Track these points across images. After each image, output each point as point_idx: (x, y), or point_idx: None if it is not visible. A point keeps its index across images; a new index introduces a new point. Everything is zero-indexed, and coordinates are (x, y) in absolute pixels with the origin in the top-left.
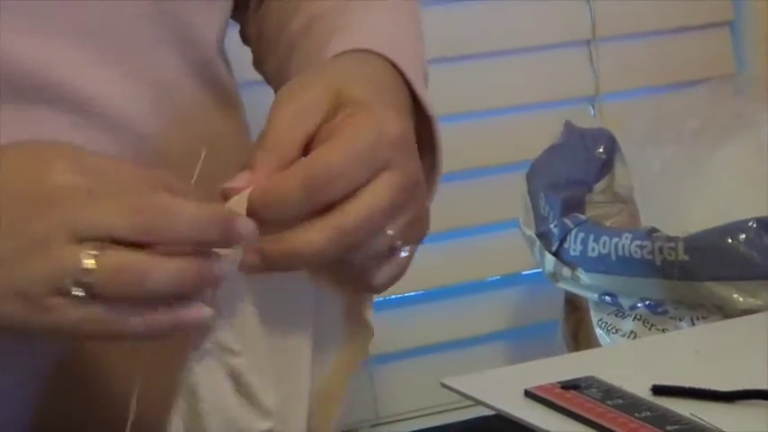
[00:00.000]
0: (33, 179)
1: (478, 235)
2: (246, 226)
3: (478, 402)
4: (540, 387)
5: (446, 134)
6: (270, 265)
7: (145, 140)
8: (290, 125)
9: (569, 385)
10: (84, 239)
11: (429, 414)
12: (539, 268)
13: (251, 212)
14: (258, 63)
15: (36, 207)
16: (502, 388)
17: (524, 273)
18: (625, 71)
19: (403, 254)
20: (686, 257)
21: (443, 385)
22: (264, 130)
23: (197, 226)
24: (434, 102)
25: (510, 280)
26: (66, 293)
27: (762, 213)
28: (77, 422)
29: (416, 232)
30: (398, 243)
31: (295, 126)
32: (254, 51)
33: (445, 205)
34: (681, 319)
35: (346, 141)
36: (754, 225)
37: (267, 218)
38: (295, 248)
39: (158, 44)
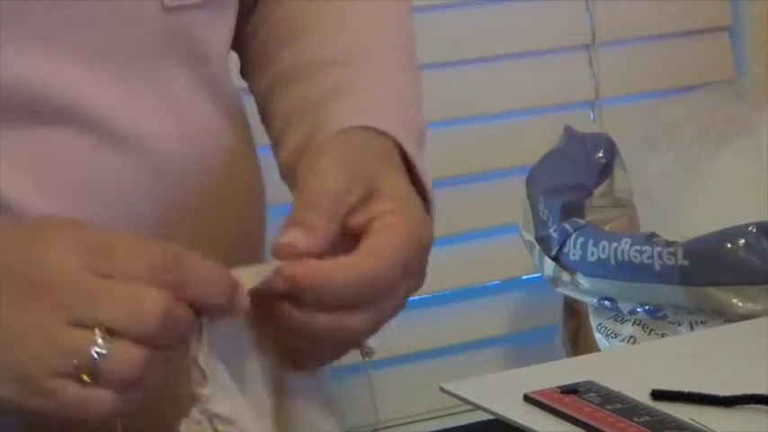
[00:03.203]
0: (33, 259)
1: (478, 239)
2: (245, 302)
3: (477, 407)
4: (539, 392)
5: (446, 139)
6: (299, 289)
7: (160, 157)
8: (340, 196)
9: (568, 390)
10: (86, 326)
11: (428, 419)
12: (538, 273)
13: (296, 289)
14: (247, 76)
15: (34, 288)
16: (501, 392)
17: (524, 277)
18: (625, 76)
19: (367, 355)
20: (686, 262)
21: (443, 390)
22: (312, 191)
23: (204, 293)
24: (434, 106)
25: (509, 284)
26: (68, 376)
27: (761, 218)
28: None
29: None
30: (366, 345)
31: (343, 198)
32: (241, 60)
33: (445, 210)
34: (680, 324)
35: (393, 249)
36: (754, 230)
37: (309, 298)
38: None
39: (169, 62)
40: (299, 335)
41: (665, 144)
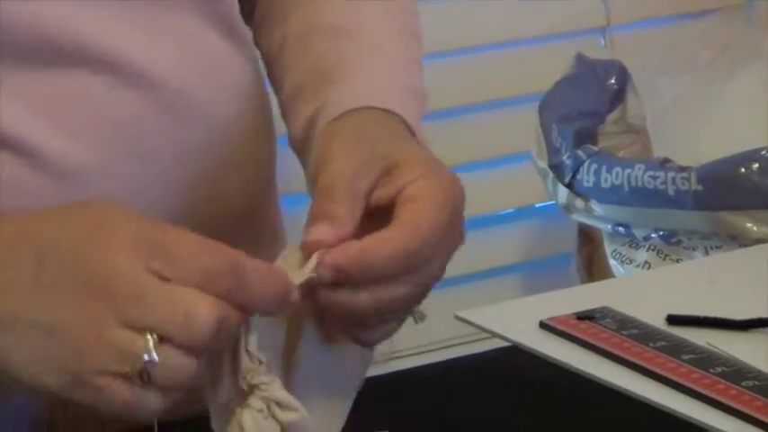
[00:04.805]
0: (93, 255)
1: (492, 168)
2: (296, 302)
3: (494, 335)
4: (555, 318)
5: (459, 68)
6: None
7: (175, 95)
8: (355, 179)
9: (584, 316)
10: (138, 329)
11: (444, 347)
12: (552, 200)
13: (342, 277)
14: (256, 36)
15: (91, 284)
16: (517, 320)
17: (538, 205)
18: (636, 1)
19: (418, 320)
20: (699, 187)
21: (458, 318)
22: (327, 181)
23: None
24: (447, 36)
25: (523, 212)
26: (117, 376)
27: None
28: (87, 417)
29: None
30: (417, 310)
31: (360, 180)
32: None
33: (458, 138)
34: (695, 249)
35: (431, 212)
36: (767, 154)
37: (360, 277)
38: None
39: (179, 0)
40: (345, 316)
41: (677, 69)
